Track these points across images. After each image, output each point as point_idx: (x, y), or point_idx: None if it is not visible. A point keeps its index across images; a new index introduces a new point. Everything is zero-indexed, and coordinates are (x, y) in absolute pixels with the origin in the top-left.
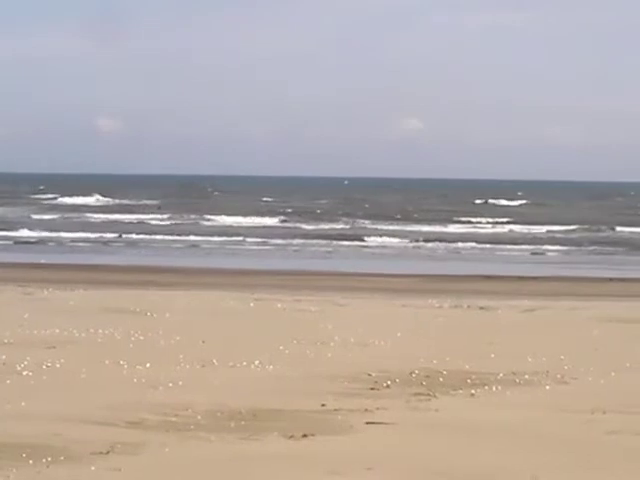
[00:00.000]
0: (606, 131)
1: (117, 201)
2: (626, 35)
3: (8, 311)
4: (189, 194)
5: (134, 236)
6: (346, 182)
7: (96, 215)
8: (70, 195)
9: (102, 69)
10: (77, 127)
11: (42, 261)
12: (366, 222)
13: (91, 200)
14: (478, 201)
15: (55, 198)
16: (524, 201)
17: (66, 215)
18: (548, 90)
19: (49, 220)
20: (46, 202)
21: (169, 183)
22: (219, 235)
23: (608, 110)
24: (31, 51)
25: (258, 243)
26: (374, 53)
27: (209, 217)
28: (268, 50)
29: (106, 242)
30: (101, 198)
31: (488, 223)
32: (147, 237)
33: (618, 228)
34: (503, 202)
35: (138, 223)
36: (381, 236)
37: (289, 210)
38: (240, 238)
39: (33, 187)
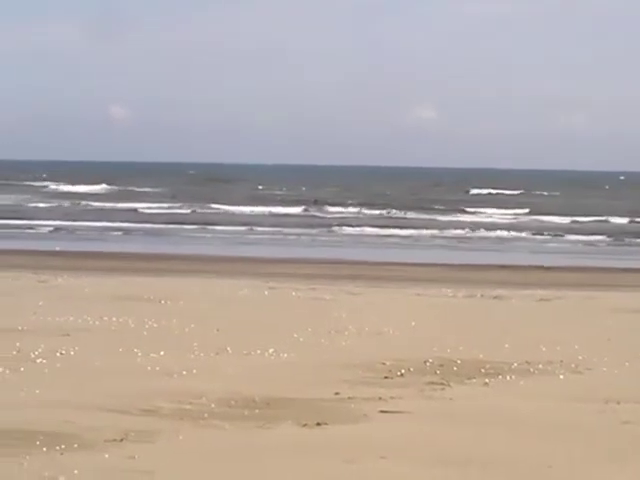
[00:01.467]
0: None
1: (129, 188)
2: (627, 23)
3: (22, 298)
4: (202, 182)
5: (147, 225)
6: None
7: (109, 204)
8: (74, 183)
9: (112, 59)
10: (87, 115)
11: (57, 248)
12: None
13: (97, 188)
14: (476, 191)
15: (57, 186)
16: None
17: (73, 203)
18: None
19: (55, 207)
20: (47, 190)
21: (179, 171)
22: (234, 224)
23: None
24: (43, 40)
25: (272, 232)
26: (377, 41)
27: (223, 205)
28: (278, 38)
29: (125, 231)
30: (107, 186)
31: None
32: (162, 226)
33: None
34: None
35: (150, 212)
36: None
37: (304, 198)
38: (253, 227)
39: (37, 175)
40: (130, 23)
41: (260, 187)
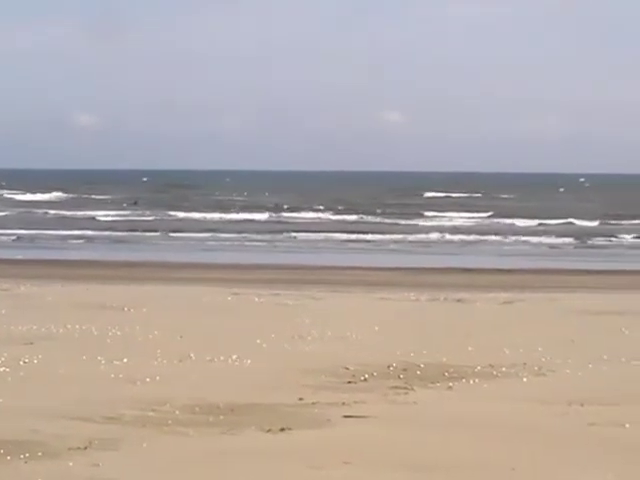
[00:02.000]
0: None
1: (85, 196)
2: (616, 26)
3: None
4: (161, 189)
5: (107, 233)
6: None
7: (67, 212)
8: (32, 192)
9: (83, 65)
10: (52, 122)
11: (18, 257)
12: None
13: (52, 196)
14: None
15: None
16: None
17: (29, 211)
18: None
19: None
20: (2, 198)
21: (139, 178)
22: (195, 231)
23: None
24: (12, 45)
25: (236, 238)
26: (358, 44)
27: (183, 212)
28: (252, 44)
29: (86, 238)
30: (62, 194)
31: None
32: (123, 234)
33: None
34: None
35: (110, 219)
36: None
37: (272, 204)
38: (215, 233)
39: None
40: (113, 29)
41: (219, 194)
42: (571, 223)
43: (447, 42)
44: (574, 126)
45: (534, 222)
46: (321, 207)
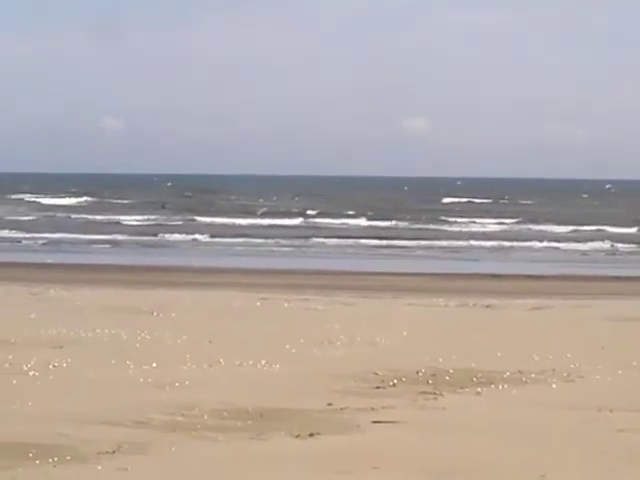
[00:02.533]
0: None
1: (113, 200)
2: (620, 32)
3: (14, 311)
4: (191, 194)
5: (138, 237)
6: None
7: (96, 216)
8: (56, 196)
9: (104, 69)
10: (79, 127)
11: (48, 261)
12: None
13: (80, 201)
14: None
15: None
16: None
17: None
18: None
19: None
20: (31, 202)
21: (167, 182)
22: (225, 236)
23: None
24: (31, 50)
25: (265, 243)
26: (374, 50)
27: (215, 217)
28: (269, 48)
29: (114, 243)
30: (89, 199)
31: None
32: (148, 238)
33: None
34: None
35: (138, 224)
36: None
37: (298, 210)
38: (247, 239)
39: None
40: (117, 33)
41: (244, 198)
42: (601, 230)
43: (466, 47)
44: (596, 132)
45: (567, 228)
46: (350, 212)
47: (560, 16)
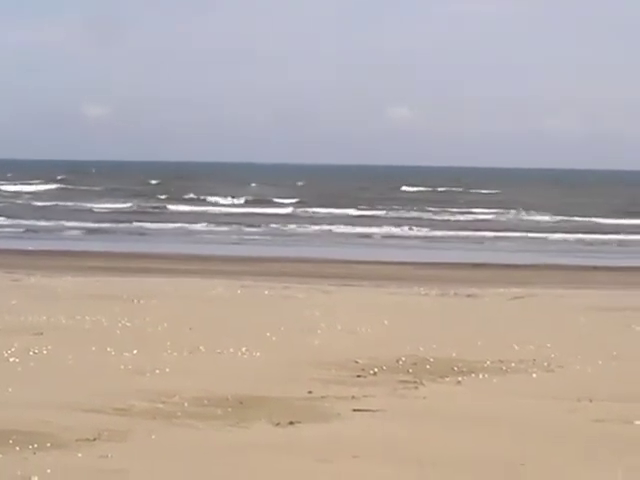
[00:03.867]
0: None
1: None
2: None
3: None
4: (177, 181)
5: (113, 225)
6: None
7: (80, 203)
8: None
9: (92, 56)
10: (65, 113)
11: (29, 248)
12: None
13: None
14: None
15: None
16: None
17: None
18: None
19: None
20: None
21: (152, 170)
22: (208, 222)
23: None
24: (21, 40)
25: (245, 232)
26: (365, 42)
27: (200, 202)
28: (263, 37)
29: (96, 230)
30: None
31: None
32: (133, 225)
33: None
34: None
35: (111, 211)
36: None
37: (293, 198)
38: (229, 227)
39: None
40: (117, 25)
41: (230, 185)
42: (583, 219)
43: (461, 39)
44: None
45: (556, 218)
46: (341, 201)
47: (548, 7)
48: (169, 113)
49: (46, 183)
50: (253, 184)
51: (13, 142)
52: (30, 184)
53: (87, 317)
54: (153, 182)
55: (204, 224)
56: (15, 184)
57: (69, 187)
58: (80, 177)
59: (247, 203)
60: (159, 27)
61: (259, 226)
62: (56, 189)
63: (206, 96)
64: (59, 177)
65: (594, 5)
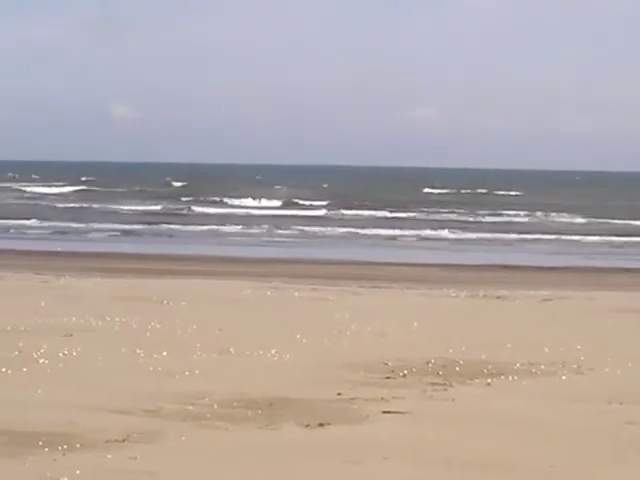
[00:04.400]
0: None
1: (115, 189)
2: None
3: (25, 299)
4: (202, 182)
5: (144, 227)
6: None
7: (101, 204)
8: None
9: (111, 58)
10: (88, 114)
11: (58, 249)
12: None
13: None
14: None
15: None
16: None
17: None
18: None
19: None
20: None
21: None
22: (235, 224)
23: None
24: (37, 39)
25: (274, 233)
26: (380, 40)
27: (227, 202)
28: (273, 36)
29: (124, 231)
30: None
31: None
32: (161, 227)
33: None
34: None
35: (145, 212)
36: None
37: (319, 200)
38: (257, 229)
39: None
40: (126, 23)
41: (252, 187)
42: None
43: (477, 36)
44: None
45: (584, 220)
46: (368, 203)
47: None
48: (181, 113)
49: (71, 185)
50: (277, 186)
51: (28, 143)
52: (55, 186)
53: (116, 319)
54: (177, 184)
55: (233, 226)
56: (40, 186)
57: (94, 189)
58: (103, 179)
59: (283, 205)
60: (166, 26)
61: (289, 228)
62: (81, 191)
63: (219, 96)
64: (83, 178)
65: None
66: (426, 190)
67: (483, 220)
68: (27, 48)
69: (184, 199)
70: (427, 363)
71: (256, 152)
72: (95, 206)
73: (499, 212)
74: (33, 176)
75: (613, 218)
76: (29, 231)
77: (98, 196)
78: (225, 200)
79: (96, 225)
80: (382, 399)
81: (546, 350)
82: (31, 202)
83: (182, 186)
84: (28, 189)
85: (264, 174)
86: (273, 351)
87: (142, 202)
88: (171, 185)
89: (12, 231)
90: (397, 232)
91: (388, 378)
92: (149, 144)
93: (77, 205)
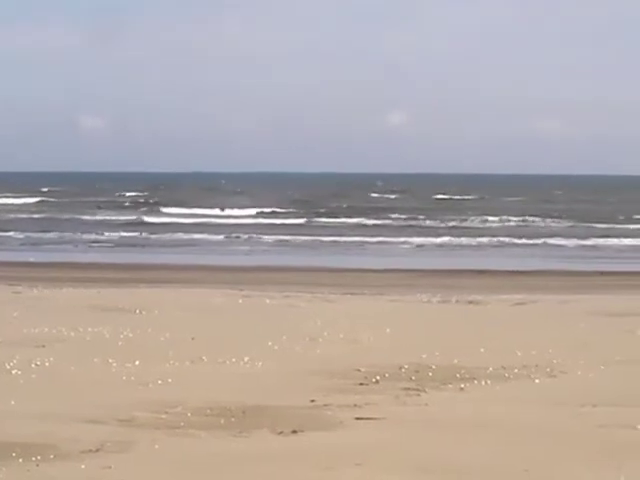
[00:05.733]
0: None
1: (86, 199)
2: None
3: None
4: (172, 190)
5: (115, 235)
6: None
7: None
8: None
9: (86, 65)
10: (59, 123)
11: (31, 259)
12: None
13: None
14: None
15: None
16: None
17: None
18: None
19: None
20: None
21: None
22: (207, 233)
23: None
24: (14, 44)
25: (245, 240)
26: (364, 46)
27: (194, 212)
28: (260, 45)
29: (95, 241)
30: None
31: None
32: (132, 236)
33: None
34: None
35: (116, 222)
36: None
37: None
38: (224, 236)
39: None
40: (118, 27)
41: (229, 194)
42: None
43: (464, 41)
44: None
45: (564, 223)
46: (335, 208)
47: (545, 12)
48: (159, 123)
49: (33, 196)
50: (239, 192)
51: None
52: (19, 197)
53: (89, 329)
54: (141, 194)
55: (204, 234)
56: (2, 197)
57: (56, 200)
58: (66, 189)
59: (258, 214)
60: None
61: (261, 236)
62: (44, 202)
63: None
64: (44, 189)
65: None
66: (393, 196)
67: (454, 224)
68: None
69: (149, 208)
70: (400, 369)
71: (231, 159)
72: (63, 217)
73: (468, 217)
74: None
75: (585, 221)
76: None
77: (63, 206)
78: (195, 209)
79: (66, 235)
80: (355, 405)
81: (519, 354)
82: None
83: (147, 195)
84: None
85: (229, 181)
86: (246, 359)
87: (110, 212)
88: (137, 194)
89: None
90: (366, 239)
91: (361, 384)
92: (114, 153)
93: (44, 216)
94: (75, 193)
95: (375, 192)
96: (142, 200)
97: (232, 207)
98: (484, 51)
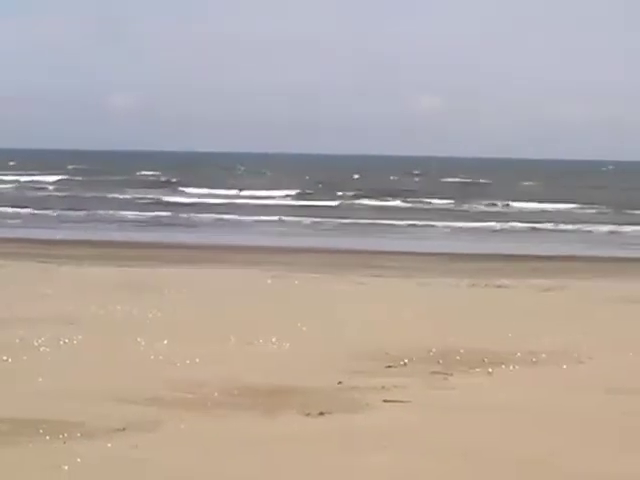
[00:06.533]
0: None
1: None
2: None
3: (26, 287)
4: (204, 170)
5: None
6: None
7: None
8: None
9: (114, 49)
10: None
11: (58, 237)
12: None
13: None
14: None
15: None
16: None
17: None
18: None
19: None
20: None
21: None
22: (239, 213)
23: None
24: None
25: (275, 222)
26: (388, 30)
27: (230, 192)
28: (272, 30)
29: (125, 219)
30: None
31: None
32: (162, 214)
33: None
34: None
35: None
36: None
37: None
38: (258, 216)
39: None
40: (133, 15)
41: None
42: (604, 212)
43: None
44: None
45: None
46: (361, 192)
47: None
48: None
49: (64, 174)
50: (307, 177)
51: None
52: (51, 174)
53: (118, 307)
54: (159, 173)
55: (236, 215)
56: (34, 175)
57: (78, 178)
58: (94, 167)
59: (295, 196)
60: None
61: (295, 217)
62: (75, 180)
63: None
64: (71, 167)
65: None
66: (445, 179)
67: (484, 209)
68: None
69: (172, 188)
70: (428, 352)
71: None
72: (95, 194)
73: (501, 202)
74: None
75: (614, 207)
76: (30, 218)
77: (92, 184)
78: (227, 190)
79: (97, 213)
80: (383, 388)
81: (547, 339)
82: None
83: (170, 174)
84: (22, 179)
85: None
86: (274, 339)
87: (141, 190)
88: (172, 173)
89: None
90: (395, 222)
91: (389, 367)
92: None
93: (73, 193)
94: (97, 171)
95: (394, 175)
96: (164, 179)
97: (258, 189)
98: (501, 35)
